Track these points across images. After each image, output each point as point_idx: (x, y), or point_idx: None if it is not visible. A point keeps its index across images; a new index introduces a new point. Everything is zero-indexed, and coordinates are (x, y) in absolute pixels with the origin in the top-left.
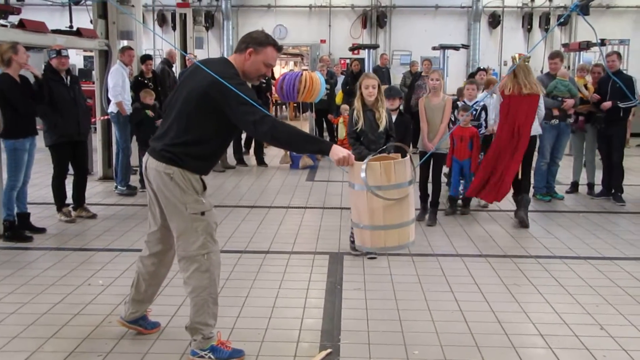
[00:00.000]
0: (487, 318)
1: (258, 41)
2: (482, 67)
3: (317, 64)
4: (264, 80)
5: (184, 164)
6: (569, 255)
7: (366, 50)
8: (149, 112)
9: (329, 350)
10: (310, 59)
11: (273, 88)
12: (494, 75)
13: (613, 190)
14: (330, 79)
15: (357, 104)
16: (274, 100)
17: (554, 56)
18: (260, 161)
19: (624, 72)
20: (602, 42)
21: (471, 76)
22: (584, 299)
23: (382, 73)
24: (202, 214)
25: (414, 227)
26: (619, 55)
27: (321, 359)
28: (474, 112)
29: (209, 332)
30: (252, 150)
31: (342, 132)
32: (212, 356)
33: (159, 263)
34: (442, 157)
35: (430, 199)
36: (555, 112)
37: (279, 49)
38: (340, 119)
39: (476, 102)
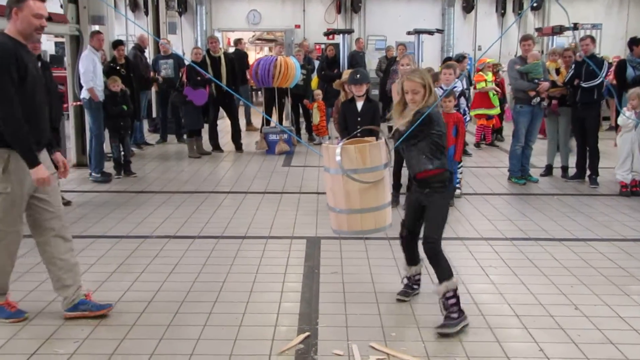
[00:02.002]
0: (464, 299)
1: (16, 0)
2: (464, 55)
3: (292, 49)
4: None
5: None
6: (543, 237)
7: (341, 35)
8: (125, 107)
9: (307, 334)
10: (285, 45)
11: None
12: (469, 59)
13: (588, 173)
14: (308, 64)
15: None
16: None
17: (526, 38)
18: (239, 147)
19: (597, 55)
20: (575, 26)
21: (446, 61)
22: (559, 279)
23: (360, 57)
24: None
25: (390, 210)
26: (592, 39)
27: (299, 342)
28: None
29: None
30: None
31: (316, 117)
32: None
33: (44, 245)
34: None
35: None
36: (532, 94)
37: None
38: (315, 105)
39: (453, 87)
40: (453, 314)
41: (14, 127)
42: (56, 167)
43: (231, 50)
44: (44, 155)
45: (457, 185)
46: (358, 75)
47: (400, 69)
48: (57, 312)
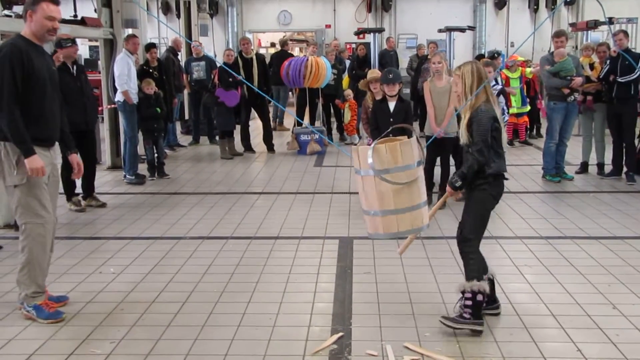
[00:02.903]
0: (499, 299)
1: (30, 2)
2: (498, 51)
3: (323, 49)
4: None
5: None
6: (579, 236)
7: (372, 34)
8: (158, 109)
9: (340, 334)
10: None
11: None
12: (502, 57)
13: (625, 169)
14: (339, 64)
15: None
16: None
17: (559, 35)
18: (270, 147)
19: (632, 50)
20: (610, 21)
21: (478, 58)
22: (596, 278)
23: (390, 56)
24: (15, 186)
25: (426, 210)
26: (625, 33)
27: (333, 343)
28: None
29: (30, 292)
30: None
31: (347, 116)
32: (34, 313)
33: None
34: (450, 141)
35: (440, 182)
36: (566, 91)
37: (53, 1)
38: (347, 104)
39: (493, 85)
40: (465, 314)
41: (9, 118)
42: (71, 168)
43: (261, 51)
44: (54, 151)
45: None
46: (391, 75)
47: (431, 67)
48: (93, 313)
